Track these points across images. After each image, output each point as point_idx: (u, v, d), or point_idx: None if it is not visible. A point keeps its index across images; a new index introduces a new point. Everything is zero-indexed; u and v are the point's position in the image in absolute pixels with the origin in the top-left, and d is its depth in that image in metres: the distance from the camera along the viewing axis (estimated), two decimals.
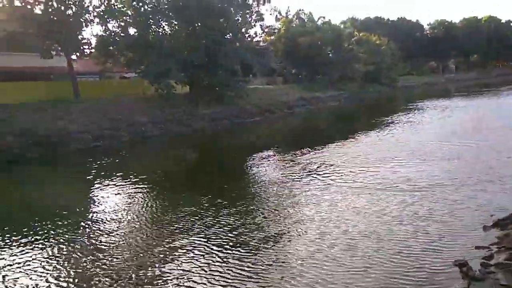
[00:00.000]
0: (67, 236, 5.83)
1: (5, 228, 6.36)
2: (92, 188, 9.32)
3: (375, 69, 41.11)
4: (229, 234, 5.27)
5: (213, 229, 5.50)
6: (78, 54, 23.29)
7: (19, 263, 4.92)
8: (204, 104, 23.09)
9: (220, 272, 4.25)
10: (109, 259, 4.83)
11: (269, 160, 10.50)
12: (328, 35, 37.02)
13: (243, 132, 20.58)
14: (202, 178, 9.51)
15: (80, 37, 22.22)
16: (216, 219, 5.88)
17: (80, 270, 4.60)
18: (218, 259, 4.54)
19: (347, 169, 8.54)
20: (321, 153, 10.87)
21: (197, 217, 6.05)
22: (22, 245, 5.54)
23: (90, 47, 23.28)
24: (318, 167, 8.94)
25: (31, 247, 5.43)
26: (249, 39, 27.80)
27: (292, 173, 8.52)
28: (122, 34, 23.04)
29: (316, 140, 13.93)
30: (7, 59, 22.99)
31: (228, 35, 25.15)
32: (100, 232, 5.83)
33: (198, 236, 5.30)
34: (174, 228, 5.71)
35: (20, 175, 12.27)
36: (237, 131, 20.90)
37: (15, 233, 6.12)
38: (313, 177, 8.06)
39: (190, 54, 22.66)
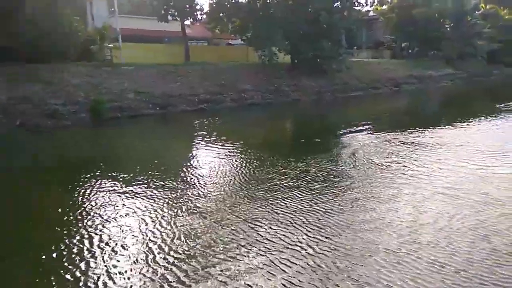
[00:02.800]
0: (163, 184, 6.26)
1: (113, 172, 7.09)
2: (194, 145, 10.07)
3: (503, 48, 35.97)
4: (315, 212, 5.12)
5: (302, 205, 5.37)
6: (191, 19, 24.50)
7: (123, 205, 5.42)
8: (305, 75, 22.79)
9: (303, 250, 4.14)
10: (201, 215, 5.04)
11: (369, 138, 9.98)
12: (448, 7, 33.27)
13: (345, 107, 19.93)
14: (302, 148, 9.42)
15: (194, 3, 23.31)
16: (305, 194, 5.75)
17: (172, 223, 4.86)
18: (300, 237, 4.42)
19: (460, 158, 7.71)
20: (428, 135, 9.97)
21: (290, 185, 6.00)
22: (125, 189, 6.10)
23: (202, 13, 24.30)
24: (423, 149, 8.22)
25: (132, 192, 5.94)
26: (358, 8, 26.31)
27: (397, 154, 7.97)
28: (232, 1, 23.51)
29: (422, 121, 12.88)
30: (135, 22, 25.41)
31: (337, 2, 24.09)
32: (196, 186, 6.13)
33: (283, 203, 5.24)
34: (265, 192, 5.72)
35: (136, 127, 13.65)
36: (339, 105, 20.30)
37: (120, 177, 6.85)
38: (417, 161, 7.43)
39: (295, 23, 22.30)
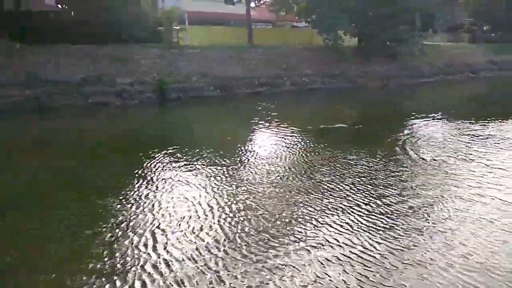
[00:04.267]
0: (220, 162, 6.30)
1: (175, 149, 7.30)
2: (250, 127, 10.07)
3: None
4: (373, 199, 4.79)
5: (362, 192, 5.07)
6: (256, 2, 24.39)
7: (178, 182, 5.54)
8: (373, 60, 21.76)
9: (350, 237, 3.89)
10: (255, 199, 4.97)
11: (436, 129, 9.24)
12: None
13: (413, 94, 18.76)
14: (363, 137, 8.99)
15: None
16: (367, 182, 5.43)
17: (226, 203, 4.84)
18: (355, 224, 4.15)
19: None
20: (502, 127, 8.96)
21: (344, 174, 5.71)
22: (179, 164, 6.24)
23: None
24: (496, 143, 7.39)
25: (186, 168, 6.04)
26: None
27: (470, 146, 7.27)
28: None
29: (498, 113, 11.69)
30: (203, 4, 25.95)
31: None
32: (251, 167, 6.08)
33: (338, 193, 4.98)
34: (321, 180, 5.51)
35: (199, 108, 14.00)
36: (408, 92, 19.16)
37: (181, 155, 7.06)
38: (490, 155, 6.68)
39: (363, 3, 21.23)
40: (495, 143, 7.44)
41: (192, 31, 21.63)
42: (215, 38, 21.68)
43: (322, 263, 3.34)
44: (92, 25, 16.99)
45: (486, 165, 6.02)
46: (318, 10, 21.76)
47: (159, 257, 3.53)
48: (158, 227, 4.15)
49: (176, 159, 6.83)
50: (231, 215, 4.41)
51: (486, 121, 9.71)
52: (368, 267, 3.27)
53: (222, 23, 25.83)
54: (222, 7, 24.38)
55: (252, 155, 7.12)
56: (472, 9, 32.22)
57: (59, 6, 19.71)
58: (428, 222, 4.09)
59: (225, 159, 6.79)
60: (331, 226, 4.06)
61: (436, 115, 11.14)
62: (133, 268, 3.36)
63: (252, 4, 24.74)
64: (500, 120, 9.83)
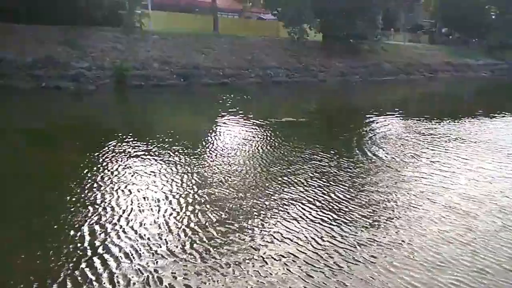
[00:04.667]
0: (178, 151, 6.09)
1: (132, 138, 6.98)
2: (212, 117, 9.87)
3: None
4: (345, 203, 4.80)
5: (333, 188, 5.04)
6: None
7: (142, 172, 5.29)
8: (336, 55, 22.04)
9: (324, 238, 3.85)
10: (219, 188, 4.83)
11: (391, 126, 9.44)
12: None
13: (372, 91, 19.16)
14: (318, 132, 9.06)
15: None
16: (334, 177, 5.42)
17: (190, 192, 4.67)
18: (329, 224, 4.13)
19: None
20: (453, 127, 9.28)
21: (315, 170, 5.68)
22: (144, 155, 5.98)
23: None
24: (443, 143, 7.64)
25: (150, 159, 5.80)
26: None
27: (426, 146, 7.46)
28: None
29: (449, 112, 12.16)
30: None
31: None
32: (214, 158, 5.92)
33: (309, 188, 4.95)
34: (288, 175, 5.45)
35: (159, 97, 13.58)
36: (367, 89, 19.56)
37: (139, 143, 6.72)
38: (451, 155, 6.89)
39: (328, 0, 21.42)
40: (446, 141, 7.67)
41: (155, 16, 20.94)
42: (179, 25, 21.11)
43: (266, 262, 3.25)
44: (47, 5, 15.98)
45: (433, 163, 6.17)
46: (284, 2, 21.71)
47: (96, 255, 3.31)
48: (98, 221, 3.90)
49: (130, 149, 6.53)
50: (177, 208, 4.24)
51: (440, 120, 10.02)
52: (313, 265, 3.22)
53: (186, 10, 25.19)
54: None
55: (209, 147, 6.94)
56: (432, 11, 33.35)
57: None
58: (375, 220, 4.11)
59: (180, 149, 6.56)
60: (279, 222, 3.98)
61: (392, 112, 11.40)
62: (69, 265, 3.13)
63: None
64: (452, 120, 10.17)
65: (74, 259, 3.23)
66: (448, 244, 3.61)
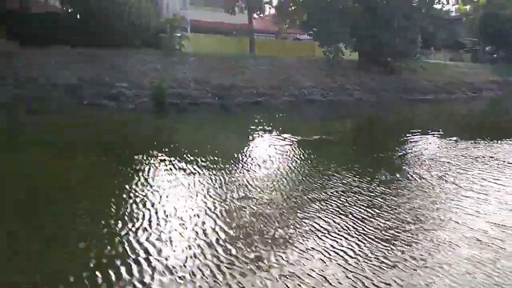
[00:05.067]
0: (217, 168, 6.21)
1: (171, 154, 7.20)
2: (245, 135, 10.02)
3: None
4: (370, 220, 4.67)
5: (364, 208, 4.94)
6: (259, 12, 24.56)
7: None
8: (372, 74, 21.78)
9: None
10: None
11: (430, 147, 9.11)
12: None
13: (411, 110, 18.67)
14: (355, 151, 8.89)
15: None
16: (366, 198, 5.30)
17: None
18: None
19: None
20: (495, 150, 8.76)
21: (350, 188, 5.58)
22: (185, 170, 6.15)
23: (270, 7, 24.28)
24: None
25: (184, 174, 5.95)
26: (438, 6, 24.50)
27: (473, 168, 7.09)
28: None
29: (497, 132, 11.58)
30: (207, 14, 26.19)
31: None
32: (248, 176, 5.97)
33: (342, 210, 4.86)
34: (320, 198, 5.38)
35: (194, 115, 13.99)
36: (405, 108, 19.07)
37: (178, 160, 6.96)
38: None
39: (364, 19, 21.35)
40: (492, 165, 7.26)
41: (194, 39, 21.75)
42: (216, 47, 21.80)
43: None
44: (93, 29, 17.09)
45: (464, 185, 5.89)
46: (320, 23, 21.87)
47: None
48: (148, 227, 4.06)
49: (169, 164, 6.77)
50: (218, 223, 4.32)
51: (478, 140, 9.57)
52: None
53: (224, 33, 25.98)
54: (225, 17, 24.56)
55: (246, 163, 7.05)
56: (475, 29, 32.31)
57: (62, 7, 19.87)
58: (397, 242, 3.97)
59: (217, 165, 6.73)
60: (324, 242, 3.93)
61: (429, 131, 11.02)
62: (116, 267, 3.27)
63: (255, 16, 24.85)
64: (492, 140, 9.68)
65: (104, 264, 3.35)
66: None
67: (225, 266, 3.34)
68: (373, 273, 3.28)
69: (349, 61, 22.43)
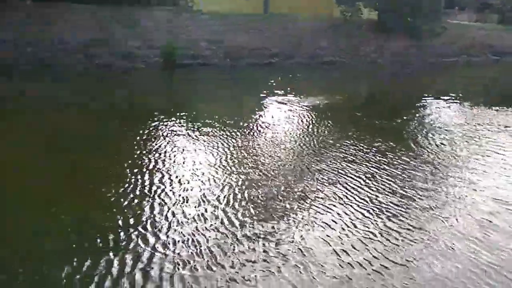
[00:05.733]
0: (226, 130, 6.28)
1: (180, 115, 7.23)
2: (257, 97, 9.90)
3: None
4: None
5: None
6: None
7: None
8: (391, 35, 20.92)
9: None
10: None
11: (446, 114, 8.84)
12: None
13: (429, 73, 18.08)
14: (371, 117, 8.59)
15: None
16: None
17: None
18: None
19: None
20: None
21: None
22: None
23: None
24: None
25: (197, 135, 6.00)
26: None
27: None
28: None
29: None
30: None
31: None
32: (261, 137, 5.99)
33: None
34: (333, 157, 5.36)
35: (204, 76, 13.89)
36: (425, 72, 18.47)
37: (186, 120, 7.05)
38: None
39: None
40: (497, 132, 7.09)
41: None
42: (229, 5, 21.11)
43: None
44: None
45: (481, 156, 5.76)
46: None
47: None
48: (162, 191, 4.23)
49: (180, 124, 6.89)
50: (232, 185, 4.43)
51: (497, 107, 9.24)
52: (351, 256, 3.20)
53: None
54: None
55: (257, 126, 7.10)
56: None
57: None
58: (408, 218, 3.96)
59: (229, 127, 6.84)
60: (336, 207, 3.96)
61: (445, 97, 10.64)
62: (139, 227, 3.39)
63: None
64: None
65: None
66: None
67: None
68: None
69: (368, 21, 21.55)
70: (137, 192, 4.22)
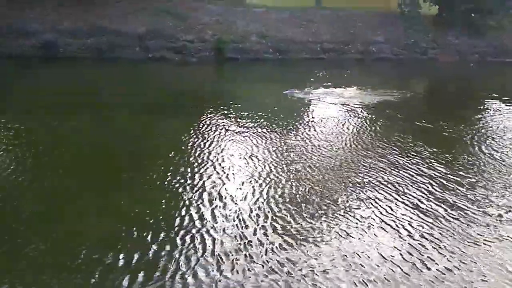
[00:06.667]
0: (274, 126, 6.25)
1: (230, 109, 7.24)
2: (306, 93, 9.56)
3: None
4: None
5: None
6: None
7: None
8: (453, 31, 19.67)
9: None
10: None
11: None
12: None
13: (494, 73, 16.80)
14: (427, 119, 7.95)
15: None
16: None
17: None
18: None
19: None
20: None
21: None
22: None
23: None
24: None
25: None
26: None
27: None
28: None
29: None
30: None
31: None
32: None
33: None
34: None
35: (253, 70, 13.88)
36: (488, 71, 17.20)
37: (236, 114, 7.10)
38: None
39: None
40: None
41: None
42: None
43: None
44: None
45: None
46: None
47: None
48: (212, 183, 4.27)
49: (231, 119, 6.92)
50: (281, 181, 4.35)
51: None
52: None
53: None
54: None
55: (307, 123, 6.95)
56: None
57: None
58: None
59: (278, 122, 6.78)
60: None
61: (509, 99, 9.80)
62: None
63: None
64: None
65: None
66: None
67: None
68: None
69: (428, 16, 20.40)
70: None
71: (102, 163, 5.05)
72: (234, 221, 3.50)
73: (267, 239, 3.23)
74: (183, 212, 3.65)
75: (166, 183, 4.27)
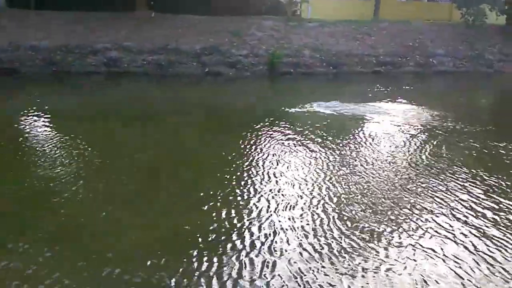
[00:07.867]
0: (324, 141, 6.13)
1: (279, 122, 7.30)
2: (361, 110, 9.20)
3: None
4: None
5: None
6: None
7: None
8: None
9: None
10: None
11: None
12: None
13: None
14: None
15: None
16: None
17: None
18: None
19: None
20: None
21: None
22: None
23: None
24: None
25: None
26: None
27: None
28: None
29: None
30: None
31: None
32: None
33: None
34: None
35: (305, 84, 13.85)
36: None
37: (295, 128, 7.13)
38: None
39: None
40: None
41: (315, 4, 21.02)
42: (338, 12, 20.68)
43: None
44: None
45: None
46: None
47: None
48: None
49: (283, 133, 7.02)
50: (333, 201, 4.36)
51: None
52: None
53: None
54: None
55: (363, 141, 6.81)
56: None
57: None
58: None
59: (331, 139, 6.80)
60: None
61: None
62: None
63: None
64: None
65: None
66: None
67: None
68: None
69: (494, 26, 19.20)
70: None
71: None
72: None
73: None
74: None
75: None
